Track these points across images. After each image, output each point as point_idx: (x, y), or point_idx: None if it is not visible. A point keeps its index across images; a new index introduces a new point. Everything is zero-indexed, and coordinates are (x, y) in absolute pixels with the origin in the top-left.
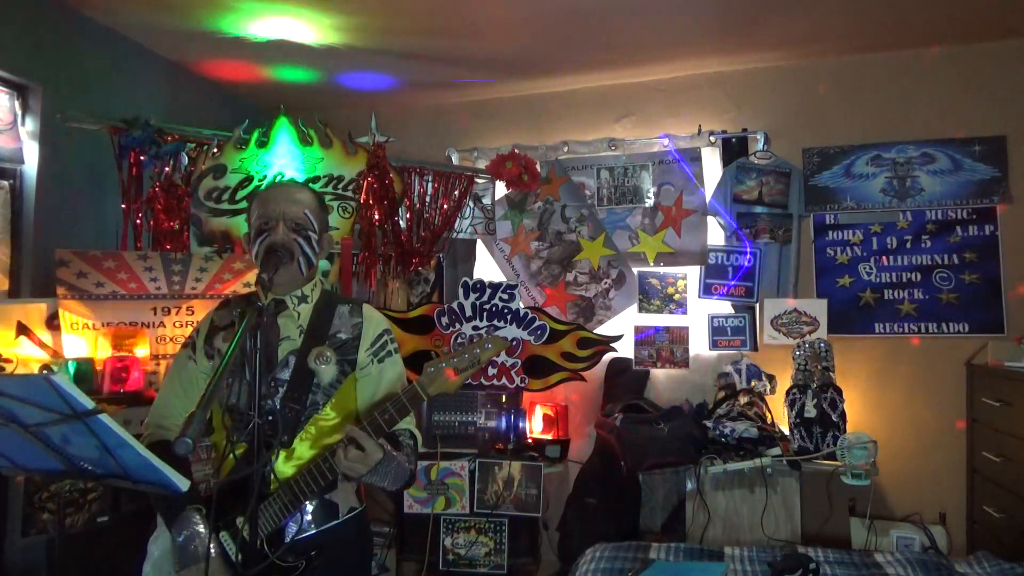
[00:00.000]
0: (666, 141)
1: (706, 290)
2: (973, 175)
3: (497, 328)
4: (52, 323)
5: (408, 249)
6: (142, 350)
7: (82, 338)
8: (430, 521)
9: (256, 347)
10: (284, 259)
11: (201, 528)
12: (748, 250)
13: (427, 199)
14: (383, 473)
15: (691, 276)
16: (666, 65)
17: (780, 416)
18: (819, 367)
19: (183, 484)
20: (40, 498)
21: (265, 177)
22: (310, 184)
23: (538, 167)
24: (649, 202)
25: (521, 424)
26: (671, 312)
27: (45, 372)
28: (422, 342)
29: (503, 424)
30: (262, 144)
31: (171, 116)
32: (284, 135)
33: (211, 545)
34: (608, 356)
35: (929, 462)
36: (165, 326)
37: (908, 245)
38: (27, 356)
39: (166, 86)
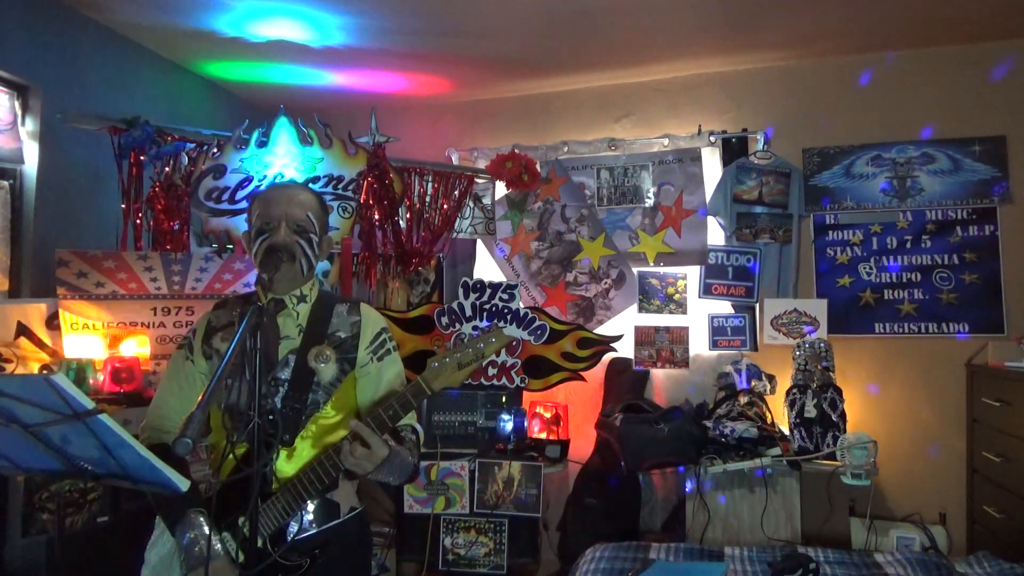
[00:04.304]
0: (666, 141)
1: (706, 290)
2: (973, 175)
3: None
4: (52, 323)
5: (408, 249)
6: (142, 350)
7: (82, 338)
8: (430, 521)
9: (256, 347)
10: (285, 260)
11: (205, 530)
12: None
13: (427, 199)
14: (388, 469)
15: (691, 276)
16: (666, 65)
17: (780, 416)
18: (819, 367)
19: (183, 484)
20: (40, 498)
21: (265, 177)
22: (310, 184)
23: (538, 167)
24: (649, 202)
25: (521, 424)
26: (671, 312)
27: (45, 372)
28: (422, 342)
29: (503, 424)
30: (262, 144)
31: (171, 116)
32: (284, 135)
33: (216, 546)
34: (608, 356)
35: (929, 462)
36: (165, 326)
37: (908, 245)
38: (27, 356)
39: (166, 86)
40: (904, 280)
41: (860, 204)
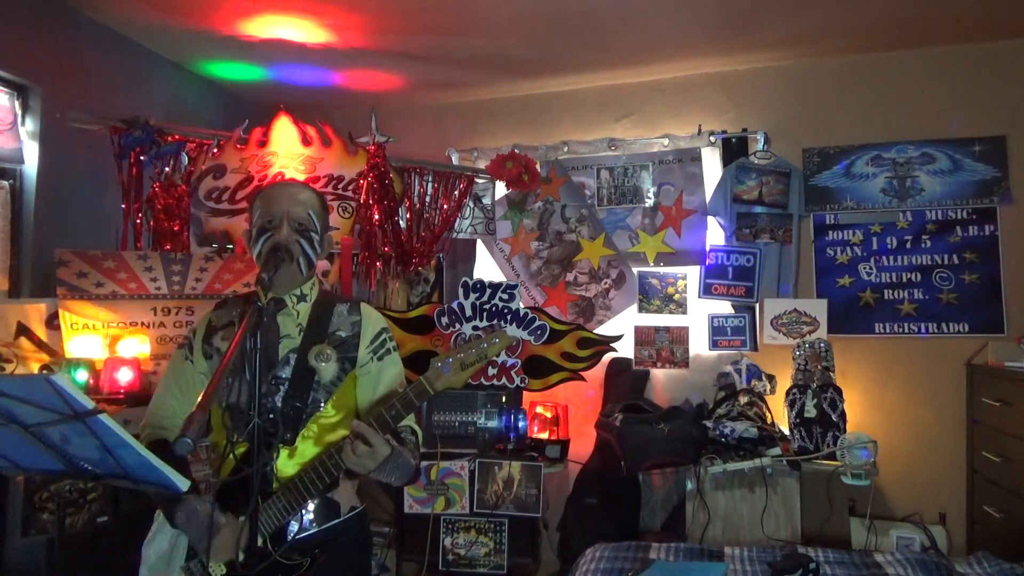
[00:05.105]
0: (666, 141)
1: (706, 290)
2: (973, 175)
3: (497, 328)
4: (52, 323)
5: (408, 249)
6: (142, 349)
7: (82, 338)
8: (430, 521)
9: (256, 347)
10: (285, 259)
11: (207, 505)
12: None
13: (427, 199)
14: (390, 469)
15: (691, 276)
16: (666, 65)
17: (780, 416)
18: (819, 367)
19: (183, 484)
20: (40, 498)
21: (265, 177)
22: (310, 184)
23: (538, 167)
24: (649, 202)
25: (521, 424)
26: (671, 312)
27: (45, 372)
28: (422, 342)
29: (503, 424)
30: (262, 144)
31: (171, 116)
32: (284, 135)
33: (220, 518)
34: (608, 356)
35: (929, 462)
36: (165, 326)
37: (908, 245)
38: (27, 355)
39: (166, 86)
40: (904, 280)
41: (860, 204)
